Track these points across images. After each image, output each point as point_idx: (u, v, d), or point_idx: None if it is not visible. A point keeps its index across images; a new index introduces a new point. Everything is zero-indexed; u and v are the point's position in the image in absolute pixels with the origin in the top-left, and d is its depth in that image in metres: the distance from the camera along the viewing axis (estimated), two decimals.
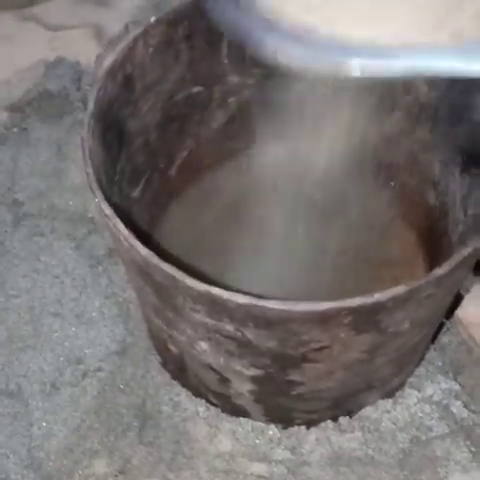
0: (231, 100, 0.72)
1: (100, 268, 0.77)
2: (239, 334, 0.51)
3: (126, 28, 0.96)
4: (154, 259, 0.50)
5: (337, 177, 0.74)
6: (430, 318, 0.57)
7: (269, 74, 0.71)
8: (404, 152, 0.71)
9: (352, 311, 0.47)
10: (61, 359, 0.71)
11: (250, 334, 0.51)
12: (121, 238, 0.51)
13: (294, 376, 0.56)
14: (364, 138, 0.72)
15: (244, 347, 0.53)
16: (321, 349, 0.52)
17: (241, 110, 0.73)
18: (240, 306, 0.48)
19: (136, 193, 0.69)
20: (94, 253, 0.78)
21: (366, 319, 0.49)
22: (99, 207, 0.53)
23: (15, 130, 0.88)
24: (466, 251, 0.49)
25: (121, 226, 0.51)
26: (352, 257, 0.69)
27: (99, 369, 0.70)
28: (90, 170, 0.53)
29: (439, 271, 0.48)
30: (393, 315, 0.49)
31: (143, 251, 0.50)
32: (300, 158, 0.76)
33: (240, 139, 0.76)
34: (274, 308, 0.47)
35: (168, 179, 0.73)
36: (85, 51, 0.95)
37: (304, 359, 0.53)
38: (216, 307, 0.50)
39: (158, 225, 0.74)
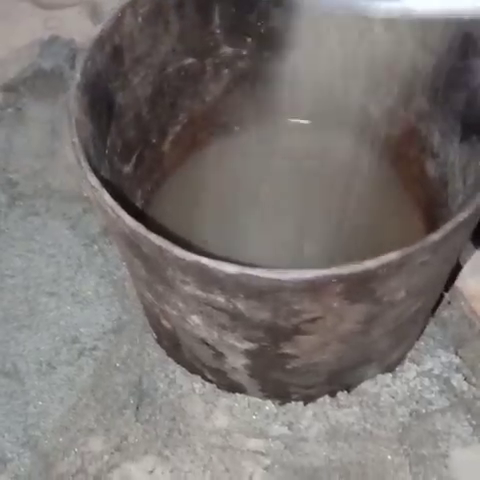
0: (224, 72, 0.71)
1: (95, 247, 0.76)
2: (231, 306, 0.50)
3: None
4: (141, 230, 0.49)
5: (335, 150, 0.73)
6: (427, 287, 0.56)
7: (263, 45, 0.69)
8: (402, 122, 0.70)
9: (343, 279, 0.46)
10: (57, 338, 0.71)
11: (241, 305, 0.50)
12: (108, 210, 0.50)
13: (288, 349, 0.55)
14: (361, 109, 0.71)
15: (236, 320, 0.52)
16: (314, 320, 0.50)
17: (235, 82, 0.72)
18: (229, 276, 0.47)
19: (128, 169, 0.68)
20: (89, 232, 0.77)
21: (359, 287, 0.48)
22: (85, 179, 0.52)
23: (10, 110, 0.88)
24: (461, 216, 0.47)
25: (107, 196, 0.50)
26: (351, 229, 0.68)
27: (95, 348, 0.70)
28: (76, 140, 0.52)
29: (434, 236, 0.46)
30: (387, 283, 0.48)
31: (131, 223, 0.49)
32: (296, 131, 0.75)
33: (235, 113, 0.75)
34: (263, 277, 0.46)
35: (161, 154, 0.72)
36: (80, 30, 0.94)
37: (297, 331, 0.52)
38: (206, 278, 0.49)
39: (152, 202, 0.73)
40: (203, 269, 0.47)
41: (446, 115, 0.64)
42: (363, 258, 0.47)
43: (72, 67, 0.91)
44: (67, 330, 0.71)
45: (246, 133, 0.75)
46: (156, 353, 0.69)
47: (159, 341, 0.69)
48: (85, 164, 0.51)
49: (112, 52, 0.60)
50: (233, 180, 0.73)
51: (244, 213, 0.70)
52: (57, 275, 0.75)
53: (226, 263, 0.46)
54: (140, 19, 0.61)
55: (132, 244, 0.52)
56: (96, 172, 0.52)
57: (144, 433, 0.65)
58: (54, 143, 0.85)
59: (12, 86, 0.89)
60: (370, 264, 0.45)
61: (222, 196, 0.72)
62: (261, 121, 0.75)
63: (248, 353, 0.57)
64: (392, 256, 0.45)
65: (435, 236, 0.46)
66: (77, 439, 0.65)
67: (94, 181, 0.50)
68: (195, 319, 0.55)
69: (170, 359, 0.68)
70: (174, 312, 0.56)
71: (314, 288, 0.47)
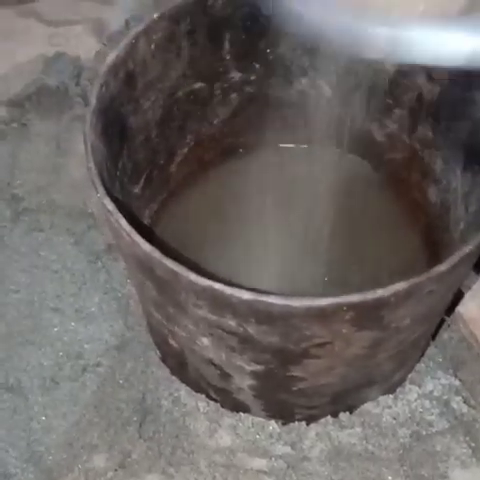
0: (232, 96, 0.72)
1: (99, 263, 0.77)
2: (241, 329, 0.51)
3: (126, 24, 0.96)
4: (157, 254, 0.50)
5: (338, 174, 0.74)
6: (431, 314, 0.57)
7: (271, 71, 0.71)
8: (405, 149, 0.71)
9: (353, 307, 0.47)
10: (60, 354, 0.71)
11: (252, 329, 0.51)
12: (123, 234, 0.51)
13: (295, 372, 0.56)
14: (365, 134, 0.73)
15: (246, 342, 0.53)
16: (323, 345, 0.52)
17: (242, 106, 0.73)
18: (243, 301, 0.48)
19: (137, 189, 0.69)
20: (93, 248, 0.78)
21: (368, 315, 0.49)
22: (101, 202, 0.53)
23: (14, 125, 0.88)
24: (467, 248, 0.49)
25: (123, 221, 0.51)
26: (353, 253, 0.69)
27: (98, 364, 0.71)
28: (92, 165, 0.53)
29: (441, 267, 0.48)
30: (395, 311, 0.50)
31: (146, 247, 0.50)
32: (301, 154, 0.77)
33: (241, 135, 0.76)
34: (276, 303, 0.47)
35: (168, 175, 0.73)
36: (85, 47, 0.95)
37: (305, 355, 0.53)
38: (219, 302, 0.50)
39: (159, 221, 0.74)
40: (217, 294, 0.49)
41: (449, 143, 0.65)
42: (363, 282, 0.48)
43: (77, 84, 0.92)
44: (71, 346, 0.72)
45: (251, 155, 0.76)
46: (160, 371, 0.69)
47: (164, 359, 0.69)
48: (101, 189, 0.52)
49: (125, 78, 0.61)
50: (237, 201, 0.74)
51: (248, 234, 0.72)
52: (61, 291, 0.75)
53: (240, 289, 0.48)
54: (153, 46, 0.63)
55: (145, 267, 0.53)
56: (109, 195, 0.53)
57: (147, 450, 0.66)
58: (59, 159, 0.85)
59: (17, 102, 0.90)
60: (379, 293, 0.47)
61: (227, 217, 0.73)
62: (266, 144, 0.76)
63: (255, 375, 0.58)
64: (400, 286, 0.47)
65: (442, 267, 0.48)
66: (81, 455, 0.66)
67: (111, 206, 0.51)
68: (204, 341, 0.56)
69: (174, 377, 0.68)
70: (183, 333, 0.57)
71: (325, 315, 0.48)
